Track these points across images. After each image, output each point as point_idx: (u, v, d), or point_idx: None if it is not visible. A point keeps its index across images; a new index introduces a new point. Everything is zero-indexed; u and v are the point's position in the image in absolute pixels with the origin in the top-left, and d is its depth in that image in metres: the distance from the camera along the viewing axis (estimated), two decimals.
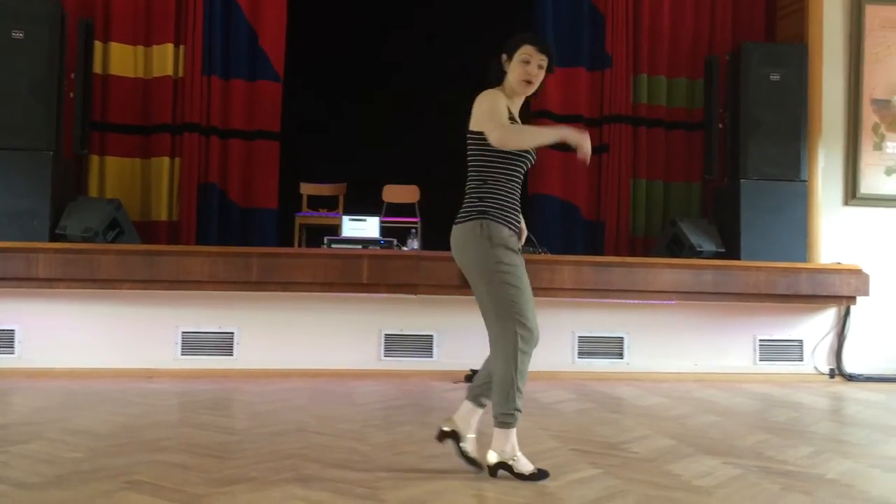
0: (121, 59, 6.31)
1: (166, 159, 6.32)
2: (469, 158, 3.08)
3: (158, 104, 6.35)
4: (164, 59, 6.34)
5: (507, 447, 2.96)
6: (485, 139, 2.97)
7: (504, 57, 3.12)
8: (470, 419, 3.09)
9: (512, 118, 3.05)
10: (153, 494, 2.66)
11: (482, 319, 5.76)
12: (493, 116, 2.95)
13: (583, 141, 2.93)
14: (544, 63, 3.08)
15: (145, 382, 5.24)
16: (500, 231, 2.99)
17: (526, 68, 3.05)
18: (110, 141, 6.29)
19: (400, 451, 3.40)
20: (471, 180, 3.06)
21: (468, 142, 3.07)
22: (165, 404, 4.48)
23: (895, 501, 2.79)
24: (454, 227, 3.04)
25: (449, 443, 3.08)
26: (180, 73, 6.40)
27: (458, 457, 3.05)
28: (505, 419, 2.94)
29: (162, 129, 6.34)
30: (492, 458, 2.97)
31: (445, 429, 3.08)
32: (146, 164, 6.37)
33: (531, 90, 3.10)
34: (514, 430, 2.97)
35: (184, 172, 6.34)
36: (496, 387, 2.96)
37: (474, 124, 3.02)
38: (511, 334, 2.94)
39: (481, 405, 3.10)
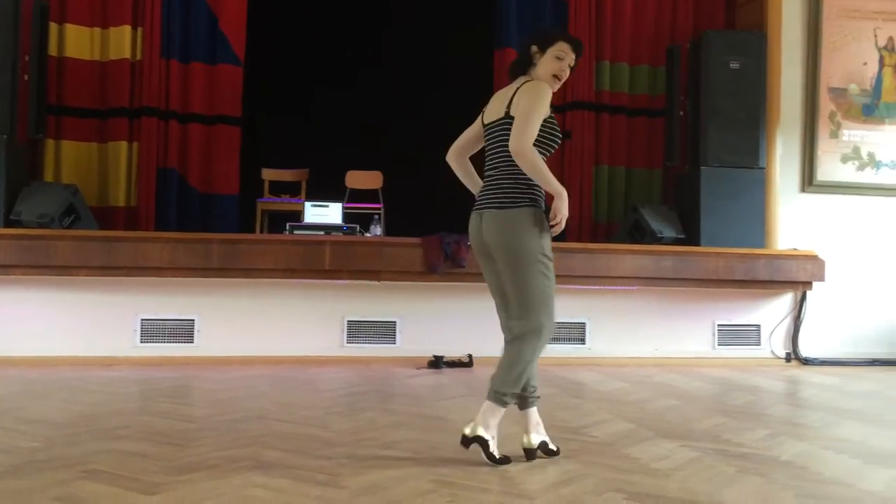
0: (77, 42, 6.18)
1: (124, 144, 6.21)
2: (501, 145, 3.02)
3: (116, 87, 6.23)
4: (122, 42, 6.22)
5: (493, 423, 2.97)
6: None
7: (534, 48, 3.10)
8: (533, 422, 3.10)
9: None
10: (110, 483, 2.63)
11: (445, 305, 5.79)
12: (533, 124, 2.91)
13: (563, 216, 2.96)
14: (573, 63, 3.12)
15: (104, 370, 5.17)
16: (547, 222, 3.00)
17: (560, 64, 3.08)
18: (66, 125, 6.16)
19: (362, 437, 3.40)
20: (514, 164, 2.97)
21: (510, 126, 2.97)
22: (124, 392, 4.43)
23: (847, 482, 2.85)
24: (498, 210, 2.98)
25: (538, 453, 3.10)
26: (138, 56, 6.28)
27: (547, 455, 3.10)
28: (504, 398, 2.95)
29: (119, 112, 6.22)
30: (472, 429, 2.95)
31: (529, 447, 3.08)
32: (103, 149, 6.25)
33: (558, 86, 3.12)
34: (503, 411, 2.98)
35: (142, 157, 6.23)
36: (508, 366, 2.96)
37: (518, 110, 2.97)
38: (538, 324, 2.96)
39: (532, 404, 3.10)
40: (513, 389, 2.96)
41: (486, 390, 3.00)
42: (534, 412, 3.11)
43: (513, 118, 2.96)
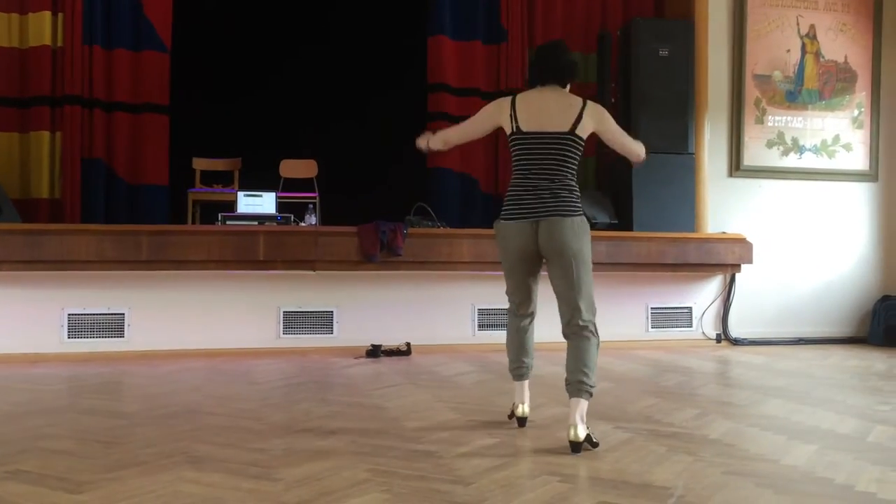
0: None
1: (46, 133, 6.02)
2: (570, 158, 3.23)
3: (36, 75, 6.03)
4: (41, 28, 6.01)
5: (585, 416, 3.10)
6: (583, 145, 3.26)
7: (575, 66, 3.40)
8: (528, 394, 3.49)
9: None
10: (36, 483, 2.55)
11: (382, 294, 5.80)
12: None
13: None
14: None
15: (29, 368, 5.01)
16: None
17: None
18: None
19: (297, 428, 3.36)
20: (570, 178, 3.24)
21: (573, 143, 3.22)
22: (50, 390, 4.30)
23: (771, 458, 2.93)
24: (573, 217, 3.19)
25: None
26: (59, 43, 6.09)
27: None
28: (593, 391, 3.12)
29: (41, 101, 6.02)
30: (576, 434, 3.01)
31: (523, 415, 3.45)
32: (25, 139, 6.05)
33: None
34: None
35: (66, 147, 6.05)
36: (591, 360, 3.13)
37: (604, 133, 3.32)
38: (595, 314, 3.22)
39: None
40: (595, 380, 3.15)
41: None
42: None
43: (579, 137, 3.21)
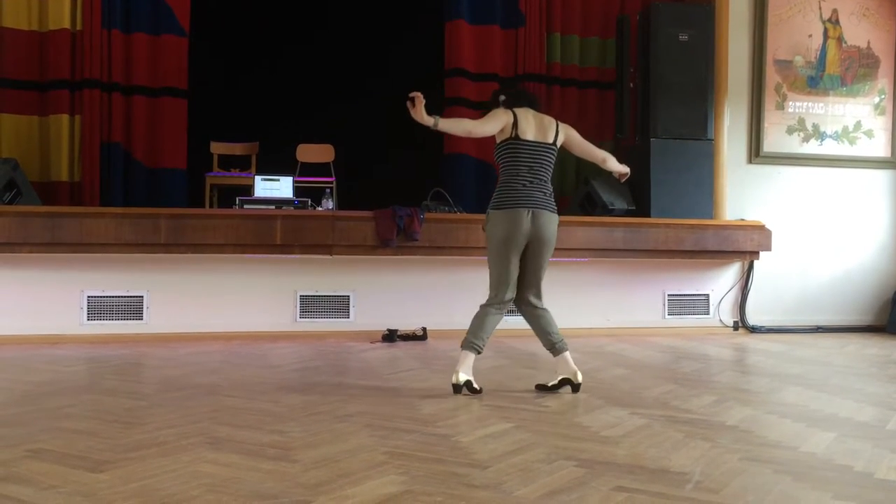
0: (14, 11, 5.99)
1: (65, 117, 6.05)
2: (550, 164, 3.97)
3: (56, 59, 6.06)
4: (61, 11, 6.04)
5: None
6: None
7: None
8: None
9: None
10: (57, 462, 2.57)
11: (398, 279, 5.90)
12: None
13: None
14: None
15: (50, 349, 5.06)
16: None
17: None
18: (5, 97, 5.99)
19: (314, 411, 3.38)
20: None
21: (553, 154, 3.97)
22: (71, 371, 4.34)
23: (789, 445, 2.92)
24: (555, 213, 3.94)
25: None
26: (78, 27, 6.11)
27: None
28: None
29: (60, 84, 6.06)
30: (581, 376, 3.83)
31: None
32: (44, 122, 6.09)
33: None
34: None
35: (85, 131, 6.08)
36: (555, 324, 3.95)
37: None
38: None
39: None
40: None
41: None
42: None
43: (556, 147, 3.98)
